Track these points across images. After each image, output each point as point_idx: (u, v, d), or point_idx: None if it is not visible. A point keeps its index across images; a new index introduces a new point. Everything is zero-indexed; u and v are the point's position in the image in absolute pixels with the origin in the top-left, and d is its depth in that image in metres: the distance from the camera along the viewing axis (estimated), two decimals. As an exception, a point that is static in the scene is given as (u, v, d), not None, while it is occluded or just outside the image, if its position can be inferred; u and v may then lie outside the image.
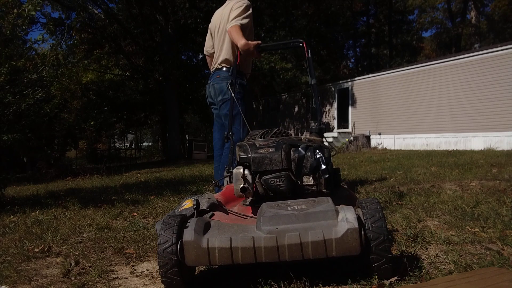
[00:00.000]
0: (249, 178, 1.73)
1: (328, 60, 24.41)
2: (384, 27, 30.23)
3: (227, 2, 3.09)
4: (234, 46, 2.98)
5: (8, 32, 4.29)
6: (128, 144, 28.48)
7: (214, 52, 3.20)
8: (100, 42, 16.70)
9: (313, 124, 2.15)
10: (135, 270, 1.85)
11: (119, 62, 18.94)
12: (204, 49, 3.34)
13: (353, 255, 1.38)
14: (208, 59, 3.35)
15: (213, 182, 2.45)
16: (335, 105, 16.25)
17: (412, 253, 1.80)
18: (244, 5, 2.90)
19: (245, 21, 2.84)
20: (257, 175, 1.76)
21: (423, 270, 1.57)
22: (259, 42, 2.67)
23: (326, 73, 22.15)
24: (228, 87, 2.81)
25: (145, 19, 16.64)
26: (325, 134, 2.22)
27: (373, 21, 30.48)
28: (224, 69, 3.04)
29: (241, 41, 2.66)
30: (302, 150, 1.76)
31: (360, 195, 3.40)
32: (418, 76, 12.40)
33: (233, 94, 2.61)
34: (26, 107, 4.68)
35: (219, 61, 3.09)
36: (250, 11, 2.92)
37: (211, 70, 3.19)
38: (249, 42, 2.66)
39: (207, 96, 3.21)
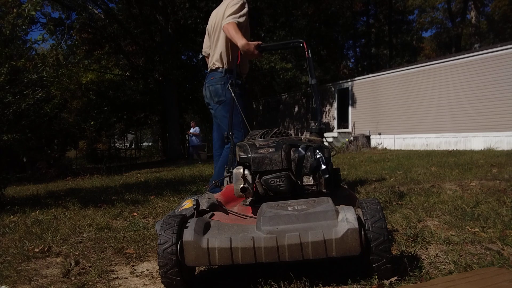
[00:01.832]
0: (249, 178, 1.73)
1: (328, 60, 24.44)
2: (384, 27, 30.22)
3: (223, 1, 3.04)
4: (228, 44, 2.93)
5: (8, 32, 4.29)
6: (128, 144, 28.48)
7: None
8: (100, 42, 16.72)
9: (313, 124, 2.15)
10: (135, 270, 1.85)
11: (119, 62, 18.96)
12: (203, 49, 3.30)
13: (353, 255, 1.38)
14: (206, 60, 3.31)
15: (213, 182, 2.44)
16: (335, 105, 16.26)
17: (412, 253, 1.80)
18: (240, 3, 2.84)
19: (242, 19, 2.78)
20: (257, 175, 1.76)
21: (423, 270, 1.57)
22: (260, 42, 2.64)
23: (326, 73, 22.17)
24: (228, 87, 2.78)
25: (145, 19, 16.65)
26: (325, 134, 2.22)
27: (373, 21, 30.47)
28: (219, 70, 2.99)
29: (241, 41, 2.61)
30: (302, 150, 1.76)
31: (360, 195, 3.40)
32: (418, 76, 12.40)
33: (233, 94, 2.60)
34: (26, 107, 4.68)
35: (213, 61, 3.04)
36: (246, 9, 2.85)
37: (208, 71, 3.14)
38: (250, 42, 2.63)
39: (204, 96, 3.18)
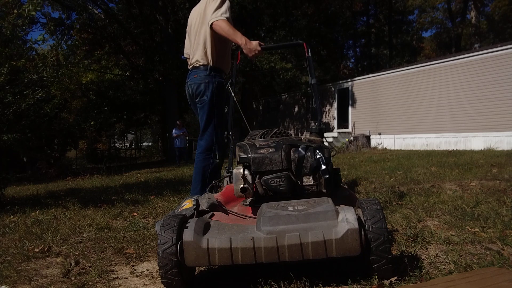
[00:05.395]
0: (249, 178, 1.73)
1: (328, 60, 24.41)
2: (384, 27, 30.20)
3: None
4: (213, 41, 2.80)
5: (8, 32, 4.29)
6: (128, 144, 28.48)
7: None
8: (100, 42, 16.72)
9: (313, 124, 2.15)
10: (135, 270, 1.85)
11: (119, 62, 18.97)
12: (184, 52, 3.13)
13: (353, 256, 1.38)
14: (188, 62, 3.09)
15: (213, 182, 2.44)
16: (335, 105, 16.25)
17: (412, 253, 1.80)
18: None
19: (228, 14, 2.67)
20: (257, 175, 1.76)
21: (423, 270, 1.57)
22: (258, 42, 2.62)
23: (326, 73, 22.16)
24: (227, 86, 2.75)
25: (145, 19, 16.66)
26: (325, 134, 2.22)
27: (373, 21, 30.46)
28: (202, 67, 2.82)
29: (242, 39, 2.56)
30: (302, 150, 1.76)
31: (360, 195, 3.40)
32: (418, 76, 12.40)
33: (233, 94, 2.60)
34: (26, 107, 4.68)
35: (196, 58, 2.86)
36: (228, 3, 2.72)
37: (190, 69, 2.97)
38: (252, 42, 2.60)
39: (187, 96, 3.00)
